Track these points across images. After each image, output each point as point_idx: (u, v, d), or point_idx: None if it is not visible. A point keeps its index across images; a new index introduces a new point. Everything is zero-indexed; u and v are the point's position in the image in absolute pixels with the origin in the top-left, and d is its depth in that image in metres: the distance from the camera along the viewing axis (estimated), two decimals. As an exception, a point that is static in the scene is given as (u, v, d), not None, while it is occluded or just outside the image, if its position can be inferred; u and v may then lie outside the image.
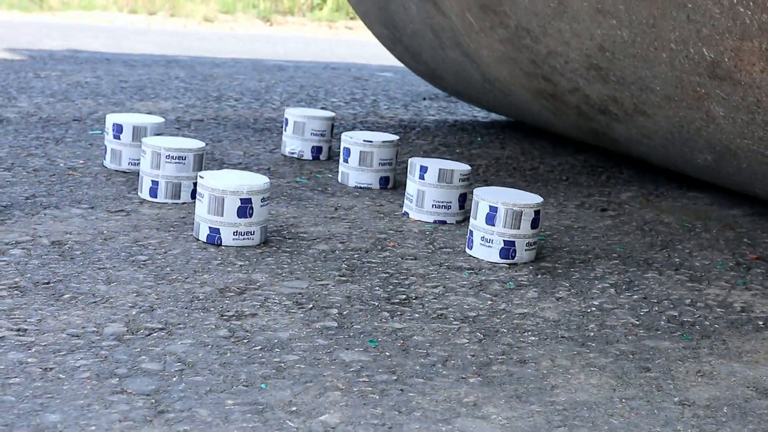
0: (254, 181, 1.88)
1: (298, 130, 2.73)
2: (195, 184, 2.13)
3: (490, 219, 1.91)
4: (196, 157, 2.13)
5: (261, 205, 1.87)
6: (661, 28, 2.00)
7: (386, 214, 2.21)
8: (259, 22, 8.97)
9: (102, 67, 4.25)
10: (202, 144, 2.16)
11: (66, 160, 2.43)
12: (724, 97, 2.02)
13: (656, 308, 1.74)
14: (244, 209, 1.85)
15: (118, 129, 2.35)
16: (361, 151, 2.43)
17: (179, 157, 2.11)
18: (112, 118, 2.36)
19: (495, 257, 1.91)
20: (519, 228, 1.90)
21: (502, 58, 2.74)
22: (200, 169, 2.14)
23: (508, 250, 1.91)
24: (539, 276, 1.86)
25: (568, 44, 2.35)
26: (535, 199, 1.95)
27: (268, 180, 1.90)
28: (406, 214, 2.21)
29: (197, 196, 1.87)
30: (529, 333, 1.57)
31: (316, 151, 2.75)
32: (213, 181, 1.85)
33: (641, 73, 2.20)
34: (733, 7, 1.80)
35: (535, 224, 1.92)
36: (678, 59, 2.04)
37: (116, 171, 2.36)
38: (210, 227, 1.86)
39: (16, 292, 1.53)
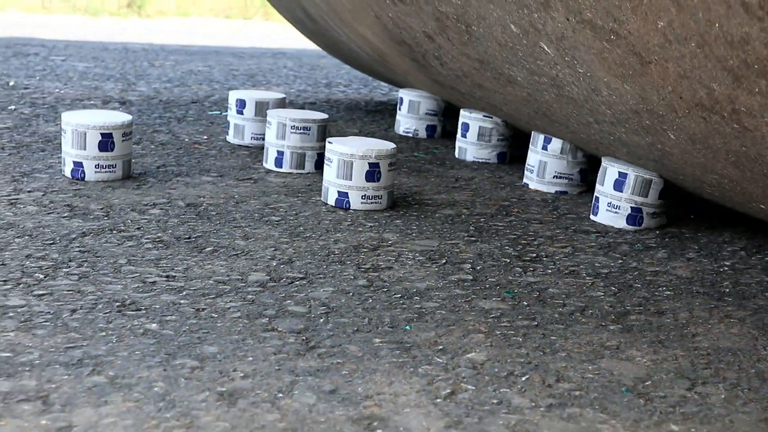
0: (381, 146, 1.91)
1: (413, 110, 2.76)
2: (319, 154, 2.17)
3: (619, 185, 1.90)
4: (319, 127, 2.17)
5: (388, 170, 1.90)
6: None
7: (507, 185, 2.23)
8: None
9: (212, 58, 4.35)
10: (325, 116, 2.20)
11: (190, 136, 2.50)
12: None
13: (790, 269, 1.73)
14: (372, 173, 1.88)
15: (241, 104, 2.41)
16: (480, 126, 2.45)
17: (304, 128, 2.15)
18: (235, 95, 2.42)
19: (622, 223, 1.91)
20: (647, 196, 1.90)
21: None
22: (324, 140, 2.18)
23: (635, 216, 1.90)
24: (667, 239, 1.86)
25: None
26: (661, 164, 1.94)
27: (394, 145, 1.93)
28: (525, 185, 2.22)
29: (325, 161, 1.91)
30: (664, 288, 1.57)
31: (431, 129, 2.77)
32: (342, 146, 1.89)
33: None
34: None
35: (663, 194, 1.91)
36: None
37: (239, 145, 2.42)
38: (339, 191, 1.89)
39: (160, 244, 1.59)
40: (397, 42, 2.32)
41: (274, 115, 2.16)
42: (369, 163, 1.88)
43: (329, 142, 1.91)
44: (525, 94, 1.93)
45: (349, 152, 1.87)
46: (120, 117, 1.98)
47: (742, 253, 1.80)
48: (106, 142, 1.94)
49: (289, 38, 6.23)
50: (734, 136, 1.37)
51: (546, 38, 1.58)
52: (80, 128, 1.92)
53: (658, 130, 1.57)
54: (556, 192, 2.17)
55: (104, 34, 5.28)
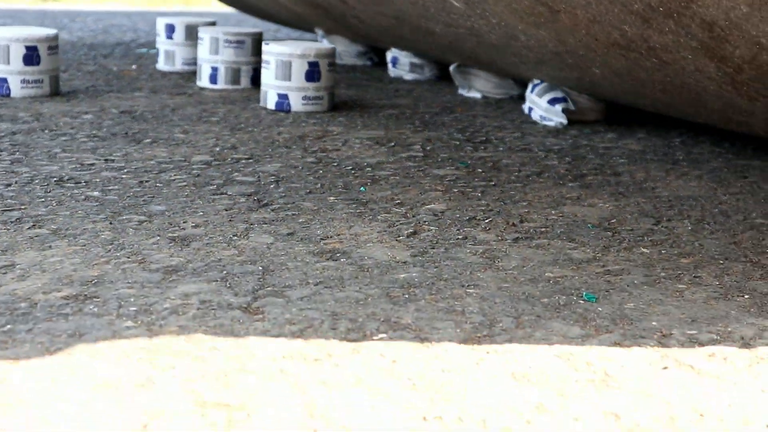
0: (320, 45, 1.86)
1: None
2: (255, 69, 2.11)
3: (532, 88, 1.87)
4: (254, 41, 2.10)
5: (328, 70, 1.85)
6: None
7: (447, 93, 2.19)
8: None
9: (135, 17, 4.25)
10: (259, 30, 2.13)
11: (118, 66, 2.41)
12: None
13: (739, 143, 1.71)
14: (312, 73, 1.83)
15: (171, 29, 2.33)
16: (410, 62, 2.40)
17: (238, 42, 2.08)
18: (163, 20, 2.34)
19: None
20: (540, 97, 1.86)
21: None
22: (259, 55, 2.11)
23: (528, 114, 1.87)
24: (614, 126, 1.83)
25: None
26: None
27: (333, 46, 1.88)
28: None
29: (263, 65, 1.85)
30: (618, 157, 1.54)
31: (370, 60, 2.72)
32: (280, 46, 1.83)
33: None
34: None
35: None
36: None
37: (171, 72, 2.34)
38: (278, 94, 1.83)
39: (96, 138, 1.51)
40: (312, 6, 2.28)
41: (207, 31, 2.09)
42: (308, 63, 1.82)
43: (266, 44, 1.85)
44: (447, 42, 1.90)
45: (288, 52, 1.82)
46: (45, 30, 1.90)
47: (690, 133, 1.79)
48: (31, 56, 1.85)
49: (214, 9, 6.13)
50: (656, 69, 1.36)
51: None
52: (3, 42, 1.83)
53: (582, 68, 1.55)
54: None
55: (19, 4, 5.13)
